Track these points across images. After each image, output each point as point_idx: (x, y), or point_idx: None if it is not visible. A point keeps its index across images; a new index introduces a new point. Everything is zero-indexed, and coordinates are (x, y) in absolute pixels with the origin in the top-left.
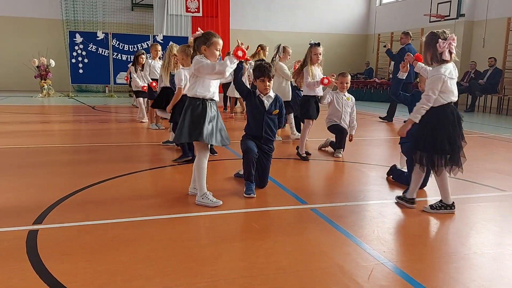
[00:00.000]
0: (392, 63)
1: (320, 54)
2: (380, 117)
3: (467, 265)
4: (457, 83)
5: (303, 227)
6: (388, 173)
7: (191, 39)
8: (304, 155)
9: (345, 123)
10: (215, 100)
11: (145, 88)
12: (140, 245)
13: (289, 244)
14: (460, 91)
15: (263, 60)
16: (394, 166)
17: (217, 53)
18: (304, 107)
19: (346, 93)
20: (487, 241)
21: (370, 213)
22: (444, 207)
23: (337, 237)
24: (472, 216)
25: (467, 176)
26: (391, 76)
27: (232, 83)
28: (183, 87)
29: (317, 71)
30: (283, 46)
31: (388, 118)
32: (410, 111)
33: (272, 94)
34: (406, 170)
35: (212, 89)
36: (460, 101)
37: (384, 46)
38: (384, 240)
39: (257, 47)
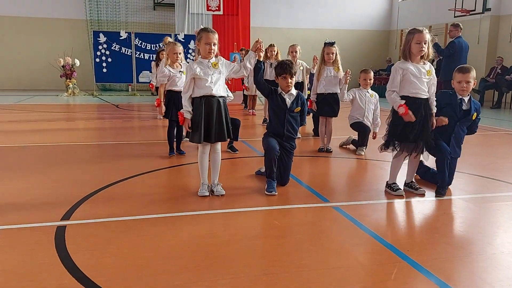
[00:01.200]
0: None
1: (333, 54)
2: None
3: (493, 264)
4: (483, 79)
5: (325, 225)
6: None
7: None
8: (322, 147)
9: (368, 120)
10: (213, 96)
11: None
12: (164, 241)
13: (311, 242)
14: (486, 87)
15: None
16: (421, 163)
17: (207, 47)
18: (319, 105)
19: (370, 90)
20: None
21: (393, 212)
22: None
23: (360, 236)
24: (499, 215)
25: (494, 175)
26: None
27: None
28: (165, 83)
29: (328, 71)
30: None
31: None
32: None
33: (293, 91)
34: (431, 167)
35: (206, 86)
36: (486, 98)
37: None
38: (408, 239)
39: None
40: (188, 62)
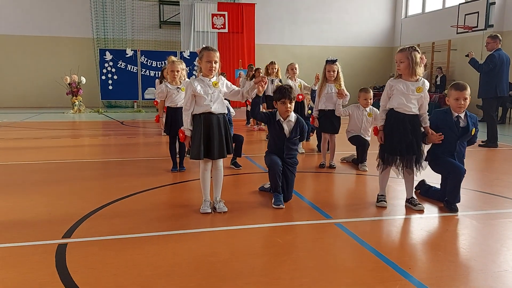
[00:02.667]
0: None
1: (334, 71)
2: (481, 142)
3: (497, 282)
4: None
5: (327, 243)
6: (416, 188)
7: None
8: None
9: (367, 134)
10: (212, 113)
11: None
12: (164, 259)
13: (313, 260)
14: None
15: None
16: (423, 181)
17: (209, 65)
18: (319, 121)
19: (368, 109)
20: None
21: (396, 229)
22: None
23: (362, 253)
24: (503, 232)
25: (498, 191)
26: None
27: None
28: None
29: (329, 87)
30: (289, 64)
31: (491, 142)
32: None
33: (292, 117)
34: (433, 185)
35: (204, 104)
36: None
37: (467, 56)
38: (410, 256)
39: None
40: (190, 79)
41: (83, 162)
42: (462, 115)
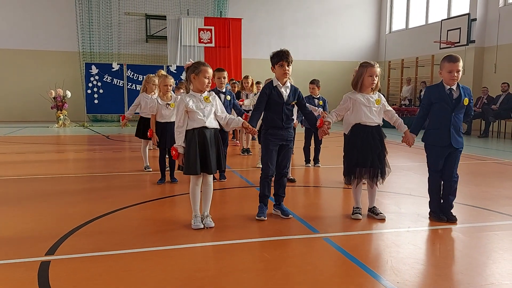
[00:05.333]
0: (407, 88)
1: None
2: None
3: None
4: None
5: (315, 257)
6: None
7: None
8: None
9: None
10: (206, 127)
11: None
12: (151, 276)
13: (301, 275)
14: (473, 117)
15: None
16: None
17: (206, 80)
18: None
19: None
20: (504, 272)
21: (384, 242)
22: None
23: (350, 268)
24: (488, 245)
25: (483, 204)
26: (402, 102)
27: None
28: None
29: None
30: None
31: None
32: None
33: (289, 83)
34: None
35: (198, 118)
36: (474, 127)
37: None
38: (398, 271)
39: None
40: (181, 96)
41: (68, 177)
42: (454, 87)
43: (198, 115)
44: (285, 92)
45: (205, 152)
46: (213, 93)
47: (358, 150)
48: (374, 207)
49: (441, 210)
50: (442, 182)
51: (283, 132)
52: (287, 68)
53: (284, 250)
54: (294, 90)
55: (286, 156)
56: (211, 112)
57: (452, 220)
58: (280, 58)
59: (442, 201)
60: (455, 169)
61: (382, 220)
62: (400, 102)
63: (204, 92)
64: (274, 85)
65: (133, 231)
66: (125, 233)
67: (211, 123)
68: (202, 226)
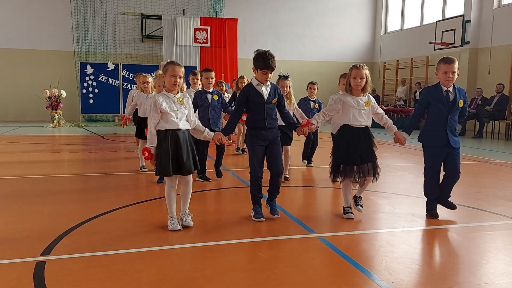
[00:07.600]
0: (402, 88)
1: (287, 87)
2: None
3: None
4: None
5: (310, 257)
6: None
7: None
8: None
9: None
10: (179, 129)
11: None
12: (147, 276)
13: (296, 275)
14: (467, 118)
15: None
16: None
17: (173, 79)
18: None
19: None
20: (497, 271)
21: (379, 242)
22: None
23: (345, 267)
24: (482, 245)
25: (476, 204)
26: (397, 102)
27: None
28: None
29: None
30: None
31: None
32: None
33: (269, 82)
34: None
35: (172, 120)
36: (468, 127)
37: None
38: (393, 270)
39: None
40: (153, 95)
41: (63, 177)
42: (450, 89)
43: (172, 117)
44: (266, 90)
45: (177, 154)
46: (187, 94)
47: (344, 149)
48: (359, 197)
49: (438, 201)
50: (444, 178)
51: (266, 132)
52: (269, 75)
53: (279, 250)
54: (274, 88)
55: (274, 153)
56: (184, 115)
57: (452, 207)
58: (266, 66)
59: (441, 189)
60: (458, 165)
61: (357, 212)
62: (395, 102)
63: (177, 92)
64: (255, 84)
65: (129, 231)
66: (119, 233)
67: (185, 125)
68: (179, 228)
